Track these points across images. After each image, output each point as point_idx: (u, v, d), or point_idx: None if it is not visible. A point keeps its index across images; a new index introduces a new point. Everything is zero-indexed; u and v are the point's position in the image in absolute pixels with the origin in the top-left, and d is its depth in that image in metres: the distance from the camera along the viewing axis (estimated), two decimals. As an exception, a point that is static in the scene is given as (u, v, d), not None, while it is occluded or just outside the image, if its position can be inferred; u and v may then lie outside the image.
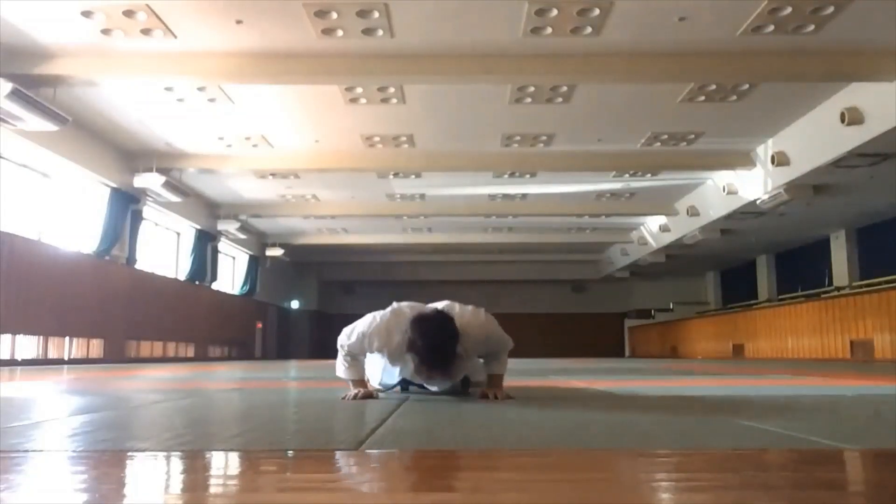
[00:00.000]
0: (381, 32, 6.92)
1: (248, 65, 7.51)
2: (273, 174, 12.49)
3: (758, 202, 11.53)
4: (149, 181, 11.11)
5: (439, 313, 2.51)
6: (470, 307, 2.72)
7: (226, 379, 5.48)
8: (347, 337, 2.72)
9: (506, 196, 14.17)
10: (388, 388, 3.00)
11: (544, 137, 10.40)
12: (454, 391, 2.99)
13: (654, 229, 16.70)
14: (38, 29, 6.98)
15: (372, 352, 2.71)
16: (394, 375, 2.93)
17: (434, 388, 2.92)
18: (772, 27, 6.83)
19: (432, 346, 2.39)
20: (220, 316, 16.28)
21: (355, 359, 2.79)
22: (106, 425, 1.98)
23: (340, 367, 2.81)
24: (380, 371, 2.96)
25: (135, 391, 3.67)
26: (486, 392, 2.77)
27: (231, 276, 18.11)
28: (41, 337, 9.70)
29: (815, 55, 7.38)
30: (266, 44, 7.22)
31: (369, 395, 2.73)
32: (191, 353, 14.56)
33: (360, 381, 2.81)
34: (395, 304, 2.71)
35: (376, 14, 6.57)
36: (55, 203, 10.66)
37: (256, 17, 6.70)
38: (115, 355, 11.30)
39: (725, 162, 11.42)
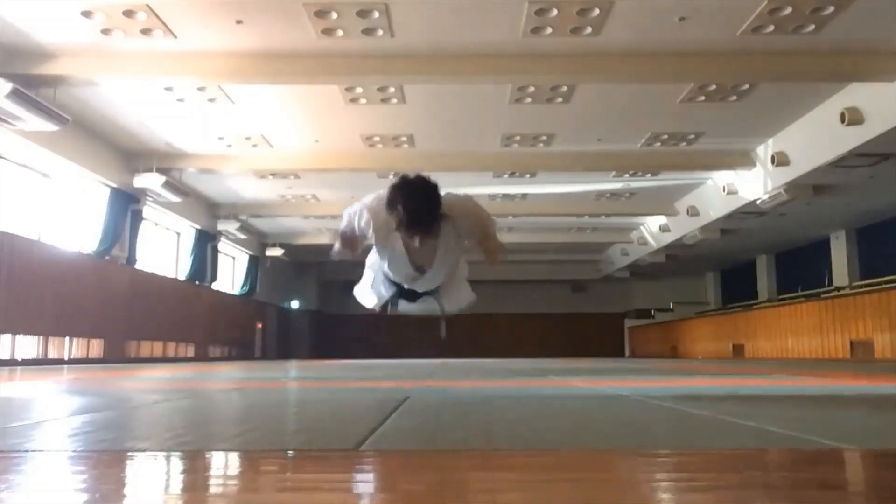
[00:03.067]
0: (381, 32, 6.92)
1: (248, 65, 7.51)
2: (273, 174, 12.50)
3: (758, 202, 11.53)
4: (149, 181, 11.11)
5: (419, 174, 2.50)
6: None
7: (226, 379, 5.48)
8: (342, 223, 2.72)
9: (506, 196, 14.17)
10: (383, 301, 2.98)
11: (544, 137, 10.40)
12: (435, 301, 2.99)
13: (654, 229, 16.70)
14: (38, 29, 6.98)
15: (363, 231, 2.67)
16: (385, 282, 2.92)
17: (421, 289, 2.89)
18: (772, 27, 6.83)
19: (415, 202, 2.37)
20: (220, 316, 16.28)
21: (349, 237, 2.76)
22: (106, 425, 1.98)
23: (337, 245, 2.75)
24: (373, 281, 2.96)
25: (135, 391, 3.67)
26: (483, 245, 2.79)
27: (231, 276, 18.11)
28: (41, 337, 9.70)
29: (815, 55, 7.38)
30: (266, 44, 7.22)
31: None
32: (191, 353, 14.55)
33: (353, 243, 2.76)
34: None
35: (376, 14, 6.57)
36: (55, 203, 10.65)
37: (256, 17, 6.70)
38: (115, 355, 11.30)
39: (725, 162, 11.42)
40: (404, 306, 2.99)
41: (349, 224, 2.68)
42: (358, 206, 2.66)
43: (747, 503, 1.00)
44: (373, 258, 2.94)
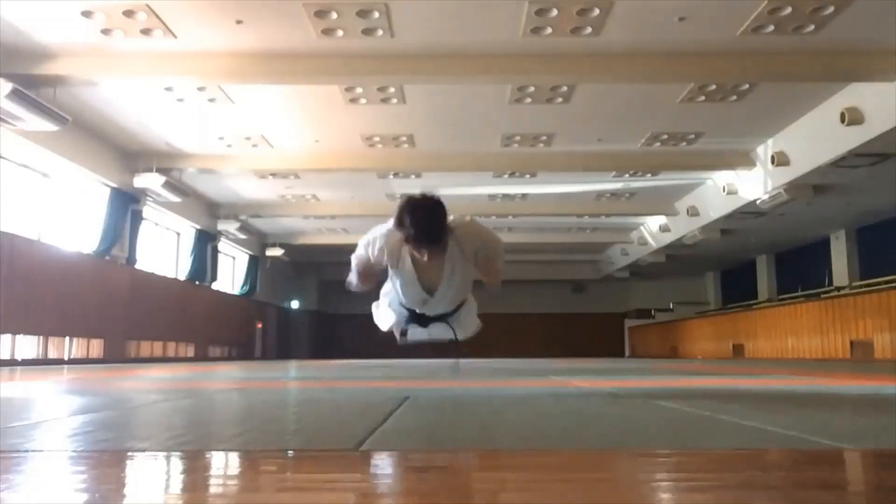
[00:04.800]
0: (381, 32, 6.92)
1: (248, 65, 7.51)
2: (273, 174, 12.50)
3: (758, 202, 11.53)
4: (149, 181, 11.11)
5: (425, 193, 2.62)
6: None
7: (226, 379, 5.47)
8: (356, 252, 2.84)
9: (506, 196, 14.17)
10: (398, 323, 3.10)
11: (544, 137, 10.40)
12: (446, 345, 3.15)
13: (654, 229, 16.71)
14: (38, 29, 6.98)
15: (377, 257, 2.80)
16: (399, 307, 3.03)
17: (431, 313, 3.01)
18: (772, 27, 6.84)
19: (422, 215, 2.51)
20: (220, 316, 16.28)
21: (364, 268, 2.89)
22: (106, 425, 1.98)
23: (352, 276, 2.88)
24: (388, 305, 3.09)
25: (135, 391, 3.67)
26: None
27: (231, 276, 18.11)
28: (41, 337, 9.70)
29: (815, 55, 7.38)
30: (266, 44, 7.23)
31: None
32: (191, 353, 14.55)
33: (368, 274, 2.88)
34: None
35: (376, 14, 6.57)
36: (55, 203, 10.65)
37: (256, 17, 6.70)
38: (115, 355, 11.30)
39: (725, 162, 11.42)
40: (417, 334, 3.12)
41: (364, 252, 2.81)
42: (371, 234, 2.81)
43: (747, 503, 1.00)
44: (387, 286, 3.07)
